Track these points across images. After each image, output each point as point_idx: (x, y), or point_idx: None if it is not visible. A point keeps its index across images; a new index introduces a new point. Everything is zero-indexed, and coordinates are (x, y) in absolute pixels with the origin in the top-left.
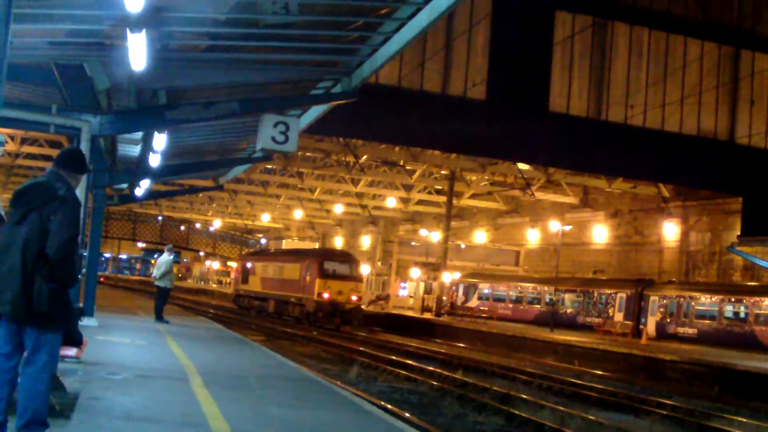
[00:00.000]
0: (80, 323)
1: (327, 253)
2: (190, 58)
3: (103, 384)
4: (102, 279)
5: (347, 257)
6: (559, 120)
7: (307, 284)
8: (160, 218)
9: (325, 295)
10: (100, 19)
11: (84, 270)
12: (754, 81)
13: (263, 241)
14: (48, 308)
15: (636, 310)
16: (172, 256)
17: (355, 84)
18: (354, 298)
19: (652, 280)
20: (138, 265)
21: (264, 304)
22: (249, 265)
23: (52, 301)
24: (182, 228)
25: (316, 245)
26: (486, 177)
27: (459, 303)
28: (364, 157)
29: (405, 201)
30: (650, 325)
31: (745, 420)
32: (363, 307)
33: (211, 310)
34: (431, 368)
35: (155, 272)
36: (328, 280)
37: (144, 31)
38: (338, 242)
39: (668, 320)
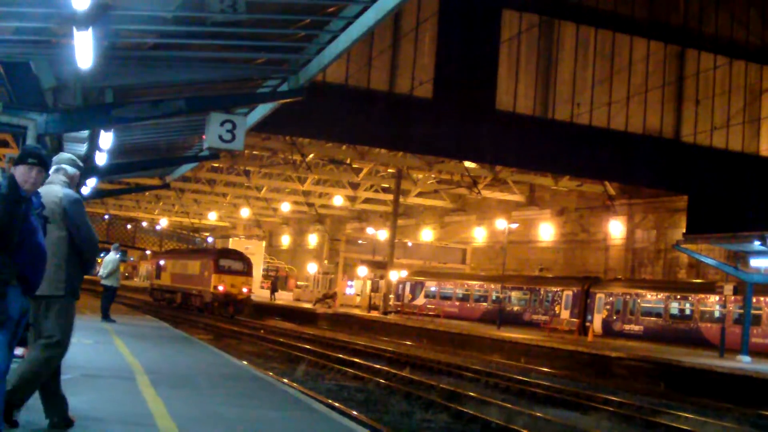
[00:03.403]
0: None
1: (223, 252)
2: (137, 57)
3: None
4: None
5: (240, 256)
6: (505, 118)
7: (206, 278)
8: (106, 217)
9: (220, 288)
10: (46, 17)
11: None
12: (699, 80)
13: (210, 239)
14: None
15: (582, 308)
16: (118, 255)
17: (302, 82)
18: (245, 290)
19: (598, 277)
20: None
21: (173, 296)
22: (161, 262)
23: None
24: (129, 227)
25: (263, 244)
26: (432, 175)
27: (406, 301)
28: (311, 155)
29: (352, 199)
30: (596, 323)
31: (690, 416)
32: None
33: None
34: (378, 366)
35: (101, 271)
36: (222, 275)
37: (90, 29)
38: (285, 241)
39: (614, 317)
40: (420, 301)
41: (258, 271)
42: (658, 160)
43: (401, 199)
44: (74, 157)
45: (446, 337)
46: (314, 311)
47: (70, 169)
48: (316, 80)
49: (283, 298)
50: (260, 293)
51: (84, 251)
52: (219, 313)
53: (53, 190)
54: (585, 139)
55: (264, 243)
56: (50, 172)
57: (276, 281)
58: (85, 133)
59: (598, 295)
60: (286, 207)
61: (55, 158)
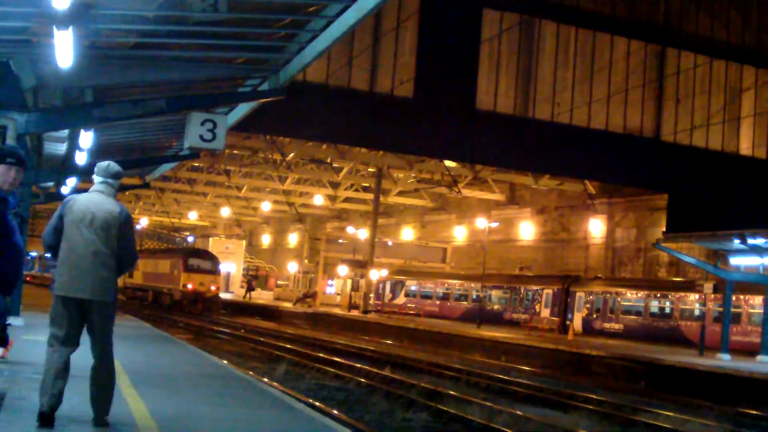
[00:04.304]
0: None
1: (191, 252)
2: (117, 56)
3: (29, 384)
4: (28, 278)
5: (209, 255)
6: (486, 117)
7: (175, 277)
8: None
9: (189, 286)
10: (27, 16)
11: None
12: (679, 79)
13: (190, 239)
14: None
15: (562, 306)
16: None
17: (283, 82)
18: (213, 288)
19: (578, 276)
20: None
21: (145, 294)
22: None
23: None
24: None
25: (243, 243)
26: (413, 174)
27: (386, 300)
28: (291, 154)
29: (332, 198)
30: (577, 321)
31: (671, 414)
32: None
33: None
34: (359, 365)
35: None
36: (191, 274)
37: (71, 28)
38: (265, 240)
39: (594, 316)
40: (400, 300)
41: (239, 271)
42: (638, 159)
43: (381, 198)
44: (120, 169)
45: (427, 336)
46: (293, 310)
47: (117, 183)
48: (297, 79)
49: (264, 297)
50: (241, 292)
51: (124, 263)
52: (188, 310)
53: (108, 202)
54: (565, 139)
55: (244, 242)
56: (97, 181)
57: (251, 280)
58: (65, 132)
59: (578, 294)
60: (266, 206)
61: (102, 169)
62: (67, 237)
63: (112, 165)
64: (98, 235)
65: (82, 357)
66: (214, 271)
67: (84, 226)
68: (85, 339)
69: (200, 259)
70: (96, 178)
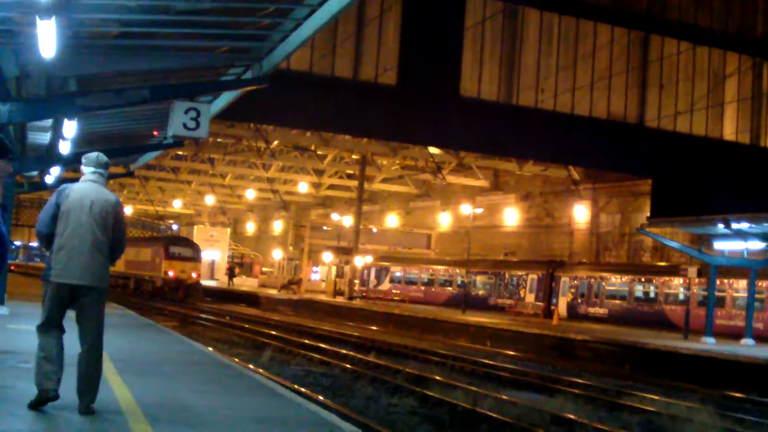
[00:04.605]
0: None
1: (172, 239)
2: (100, 45)
3: (14, 372)
4: (13, 267)
5: (189, 243)
6: (470, 104)
7: (157, 264)
8: None
9: (170, 273)
10: (9, 6)
11: None
12: (663, 65)
13: (174, 227)
14: None
15: (547, 291)
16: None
17: (266, 70)
18: (194, 275)
19: (563, 261)
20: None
21: (127, 282)
22: None
23: None
24: None
25: (228, 231)
26: (397, 161)
27: (371, 287)
28: (276, 142)
29: (316, 186)
30: (561, 306)
31: (656, 397)
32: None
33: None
34: (344, 351)
35: None
36: (173, 261)
37: (54, 18)
38: (250, 227)
39: (579, 301)
40: (385, 286)
41: (223, 259)
42: (622, 145)
43: (366, 185)
44: (108, 159)
45: (412, 322)
46: (279, 297)
47: (107, 173)
48: (281, 68)
49: (249, 284)
50: (226, 280)
51: (116, 250)
52: (170, 297)
53: (104, 191)
54: (549, 125)
55: (229, 230)
56: (88, 171)
57: (233, 268)
58: (49, 122)
59: (562, 279)
60: (250, 194)
61: (93, 160)
62: (66, 224)
63: (101, 156)
64: (97, 223)
65: (68, 345)
66: (195, 259)
67: (84, 214)
68: (68, 326)
69: (181, 247)
70: (86, 169)
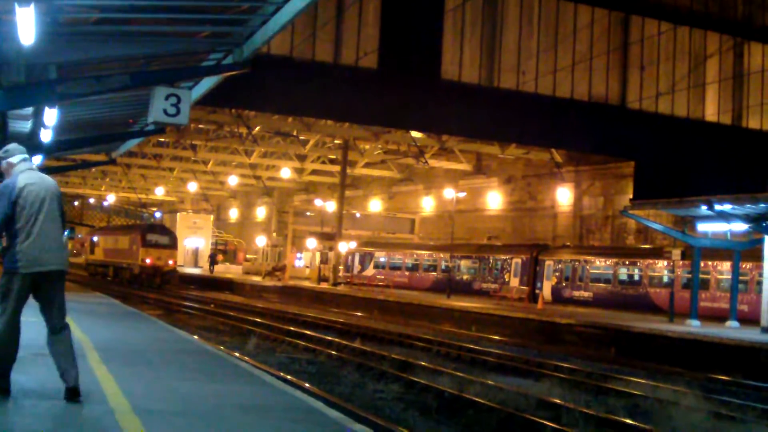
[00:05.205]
0: None
1: (149, 227)
2: (80, 32)
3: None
4: None
5: (166, 230)
6: (451, 87)
7: (134, 252)
8: None
9: (148, 261)
10: None
11: None
12: (644, 46)
13: (158, 215)
14: None
15: (531, 275)
16: (66, 232)
17: (247, 55)
18: (171, 262)
19: (546, 245)
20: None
21: (106, 270)
22: (95, 239)
23: None
24: (76, 203)
25: (211, 218)
26: (379, 146)
27: (355, 272)
28: (257, 128)
29: (299, 171)
30: (546, 290)
31: (641, 381)
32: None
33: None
34: (330, 338)
35: None
36: (149, 249)
37: (32, 4)
38: (233, 214)
39: (563, 284)
40: (369, 271)
41: (207, 246)
42: (604, 127)
43: (348, 170)
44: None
45: (396, 308)
46: (263, 284)
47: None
48: (261, 52)
49: (233, 271)
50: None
51: (64, 230)
52: (147, 284)
53: (45, 176)
54: (531, 107)
55: (212, 217)
56: (17, 161)
57: (214, 255)
58: (30, 110)
59: (547, 263)
60: (233, 180)
61: (18, 148)
62: (30, 215)
63: (15, 143)
64: (54, 208)
65: (42, 332)
66: (172, 246)
67: (45, 202)
68: (27, 311)
69: (158, 235)
70: (17, 158)
